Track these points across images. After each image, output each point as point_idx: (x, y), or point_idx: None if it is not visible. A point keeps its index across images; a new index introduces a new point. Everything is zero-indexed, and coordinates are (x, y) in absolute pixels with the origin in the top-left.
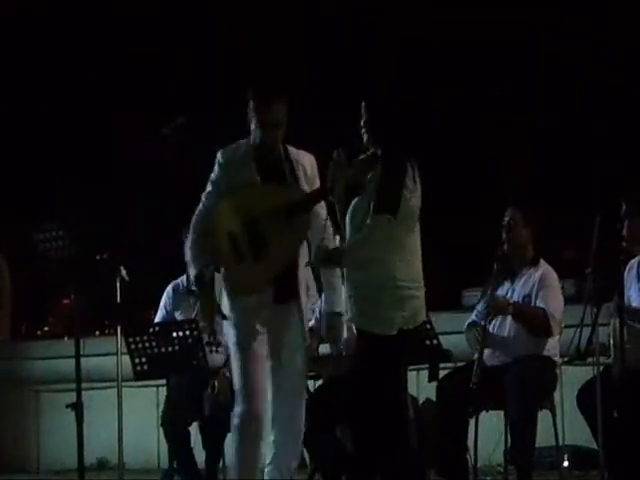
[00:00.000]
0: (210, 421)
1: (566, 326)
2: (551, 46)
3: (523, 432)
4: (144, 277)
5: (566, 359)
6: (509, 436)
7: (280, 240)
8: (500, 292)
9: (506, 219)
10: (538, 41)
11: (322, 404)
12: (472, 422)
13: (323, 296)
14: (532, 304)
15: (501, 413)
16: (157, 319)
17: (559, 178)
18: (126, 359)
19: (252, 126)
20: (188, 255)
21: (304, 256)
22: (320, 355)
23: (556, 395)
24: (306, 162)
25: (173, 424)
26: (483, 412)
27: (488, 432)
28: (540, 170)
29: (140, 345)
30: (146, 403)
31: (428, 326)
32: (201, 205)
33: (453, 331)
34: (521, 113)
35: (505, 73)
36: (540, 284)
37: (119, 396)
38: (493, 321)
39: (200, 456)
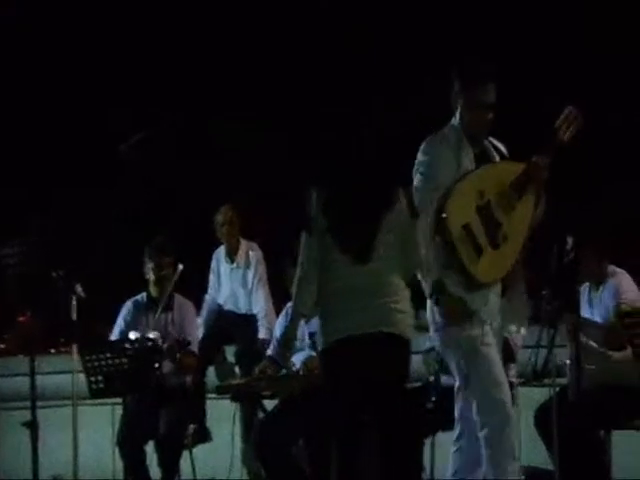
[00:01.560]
0: (166, 439)
1: (523, 347)
2: None
3: None
4: (100, 294)
5: (523, 380)
6: None
7: (515, 221)
8: None
9: None
10: None
11: (279, 423)
12: (428, 442)
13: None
14: None
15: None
16: (114, 335)
17: None
18: (82, 377)
19: (462, 109)
20: (428, 263)
21: None
22: (278, 375)
23: None
24: (502, 148)
25: (129, 442)
26: (439, 432)
27: (445, 452)
28: None
29: (96, 363)
30: (102, 421)
31: None
32: (429, 205)
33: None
34: None
35: None
36: None
37: (74, 414)
38: None
39: (156, 474)
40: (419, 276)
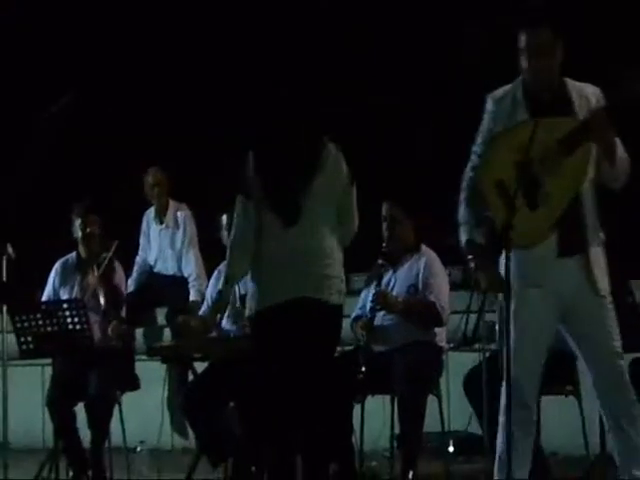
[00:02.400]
0: (96, 401)
1: (453, 312)
2: None
3: (411, 416)
4: (31, 255)
5: (452, 345)
6: (396, 421)
7: (558, 180)
8: (384, 281)
9: (385, 214)
10: None
11: (208, 386)
12: (358, 406)
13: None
14: (418, 293)
15: (387, 398)
16: (44, 296)
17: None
18: (12, 337)
19: (520, 60)
20: (459, 216)
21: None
22: (210, 337)
23: (442, 381)
24: (589, 93)
25: (58, 404)
26: (369, 397)
27: (374, 417)
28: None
29: (26, 324)
30: (31, 382)
31: None
32: (470, 160)
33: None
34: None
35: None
36: (425, 273)
37: (4, 375)
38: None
39: (86, 436)
40: None
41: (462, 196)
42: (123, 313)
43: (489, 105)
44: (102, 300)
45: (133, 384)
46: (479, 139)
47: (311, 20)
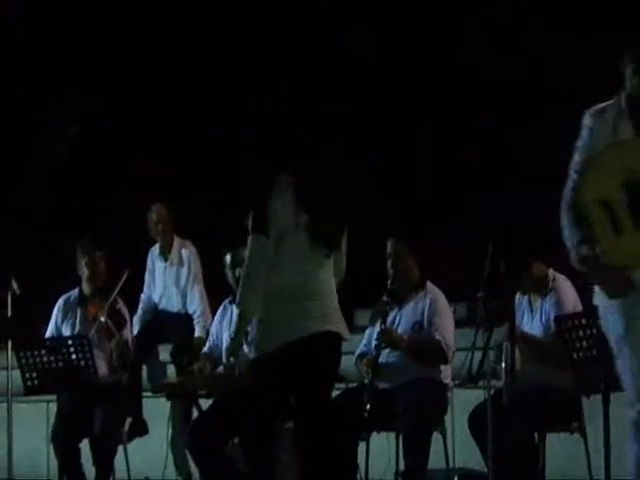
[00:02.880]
0: (100, 437)
1: (457, 349)
2: None
3: (416, 453)
4: (36, 291)
5: (457, 382)
6: (401, 457)
7: None
8: (389, 318)
9: (390, 250)
10: None
11: (212, 422)
12: (362, 443)
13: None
14: (423, 331)
15: (391, 435)
16: (48, 333)
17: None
18: (17, 374)
19: (627, 74)
20: (566, 238)
21: None
22: (214, 373)
23: (447, 418)
24: None
25: (63, 440)
26: (374, 434)
27: (379, 453)
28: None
29: (31, 360)
30: (36, 418)
31: None
32: (570, 179)
33: (345, 351)
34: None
35: None
36: (430, 310)
37: (9, 411)
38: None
39: (91, 472)
40: None
41: (565, 218)
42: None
43: (587, 120)
44: (109, 323)
45: (140, 430)
46: (577, 157)
47: (311, 22)
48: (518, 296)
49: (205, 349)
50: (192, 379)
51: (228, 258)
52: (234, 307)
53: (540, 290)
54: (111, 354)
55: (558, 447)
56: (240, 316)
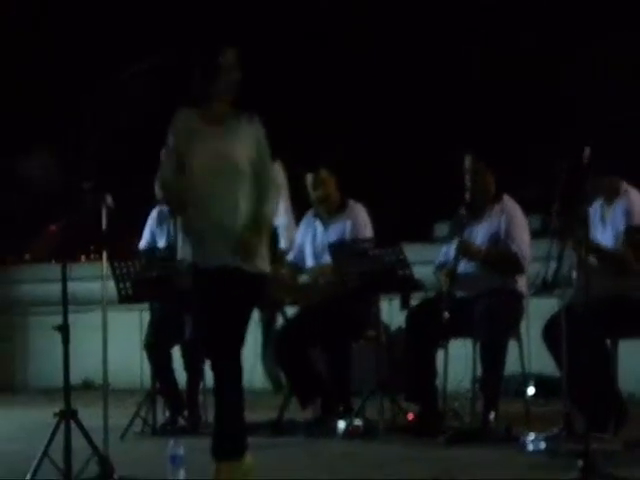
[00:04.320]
0: (191, 345)
1: (533, 259)
2: None
3: (493, 360)
4: (130, 205)
5: (533, 291)
6: (478, 364)
7: None
8: (467, 231)
9: (467, 166)
10: None
11: (297, 329)
12: (441, 350)
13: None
14: (500, 242)
15: (469, 342)
16: (142, 243)
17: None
18: (111, 284)
19: None
20: None
21: None
22: (299, 284)
23: (523, 326)
24: None
25: (156, 347)
26: (452, 340)
27: (457, 359)
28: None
29: (125, 270)
30: (130, 326)
31: (401, 256)
32: None
33: (424, 261)
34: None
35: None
36: (507, 222)
37: (104, 319)
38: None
39: (182, 378)
40: None
41: None
42: None
43: None
44: None
45: None
46: None
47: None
48: (591, 207)
49: (290, 257)
50: (278, 288)
51: (309, 178)
52: (317, 221)
53: (610, 198)
54: None
55: (631, 354)
56: None
